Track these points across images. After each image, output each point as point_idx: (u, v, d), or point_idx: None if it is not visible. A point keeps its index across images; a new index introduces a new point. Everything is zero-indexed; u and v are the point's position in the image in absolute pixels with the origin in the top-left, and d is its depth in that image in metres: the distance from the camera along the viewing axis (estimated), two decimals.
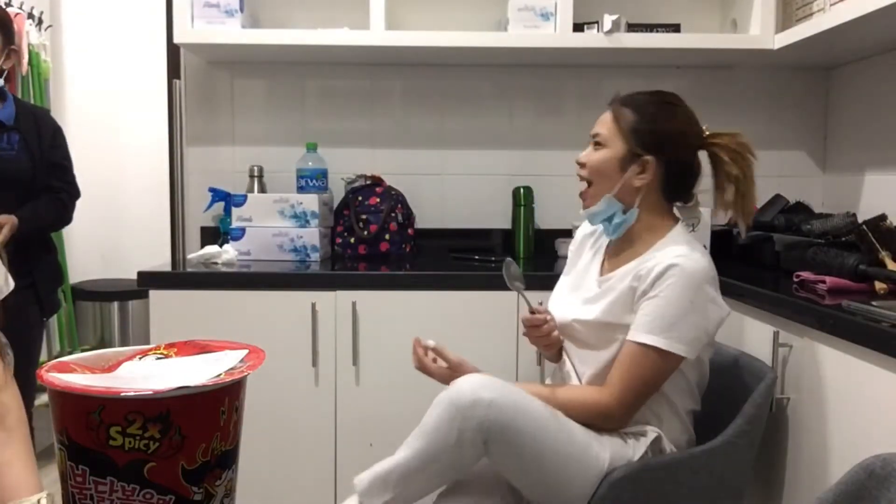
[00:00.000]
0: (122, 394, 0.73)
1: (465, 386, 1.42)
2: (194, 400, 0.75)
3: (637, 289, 1.49)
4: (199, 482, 0.76)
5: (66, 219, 2.32)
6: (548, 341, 1.67)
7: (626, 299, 1.51)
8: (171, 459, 0.74)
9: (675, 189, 1.60)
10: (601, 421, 1.50)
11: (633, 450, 1.50)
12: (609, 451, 1.48)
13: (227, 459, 0.80)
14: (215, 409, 0.77)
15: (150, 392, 0.72)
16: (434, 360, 1.63)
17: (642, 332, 1.46)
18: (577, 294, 1.65)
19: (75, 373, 0.81)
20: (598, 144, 1.58)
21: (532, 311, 1.65)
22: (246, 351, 0.87)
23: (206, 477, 0.77)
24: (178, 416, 0.73)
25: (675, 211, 1.64)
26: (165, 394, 0.73)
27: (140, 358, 0.87)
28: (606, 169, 1.56)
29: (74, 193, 2.32)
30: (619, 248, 1.62)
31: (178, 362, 0.86)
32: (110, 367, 0.86)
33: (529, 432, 1.41)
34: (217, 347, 0.89)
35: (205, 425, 0.76)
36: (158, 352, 0.89)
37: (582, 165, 1.60)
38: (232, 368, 0.81)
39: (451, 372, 1.58)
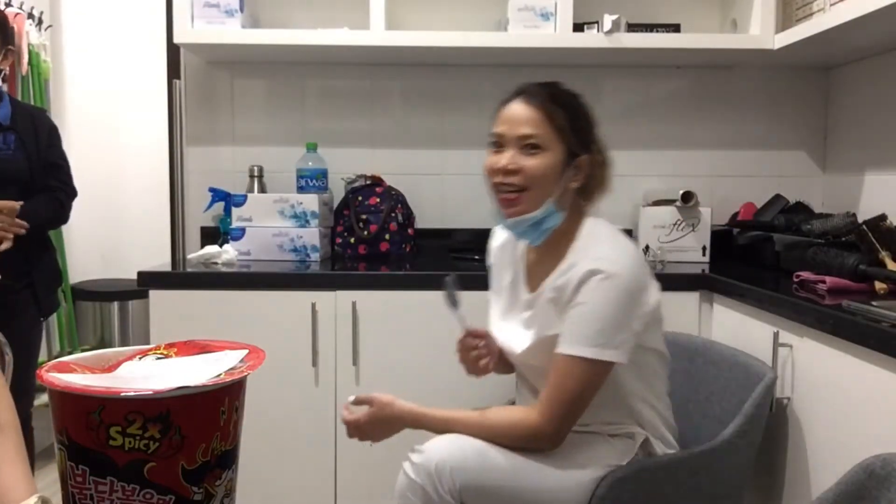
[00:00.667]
0: (122, 394, 0.73)
1: (428, 456, 1.39)
2: (194, 400, 0.75)
3: (560, 299, 1.43)
4: (199, 482, 0.76)
5: (62, 218, 2.32)
6: (475, 369, 1.62)
7: (553, 311, 1.46)
8: (171, 459, 0.74)
9: (596, 187, 1.52)
10: (532, 442, 1.42)
11: (622, 454, 1.48)
12: (594, 463, 1.45)
13: (227, 459, 0.80)
14: (215, 409, 0.77)
15: (150, 392, 0.72)
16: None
17: (569, 343, 1.39)
18: (514, 317, 1.58)
19: (75, 373, 0.81)
20: (534, 147, 1.43)
21: (467, 334, 1.60)
22: (246, 351, 0.87)
23: (206, 477, 0.77)
24: (178, 416, 0.73)
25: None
26: (165, 394, 0.73)
27: (140, 358, 0.87)
28: (550, 175, 1.44)
29: (71, 193, 2.32)
30: (539, 256, 1.55)
31: (178, 362, 0.86)
32: (110, 367, 0.85)
33: (501, 483, 1.40)
34: (217, 347, 0.89)
35: (205, 425, 0.76)
36: (158, 352, 0.89)
37: (514, 172, 1.44)
38: (232, 368, 0.81)
39: (373, 409, 1.51)
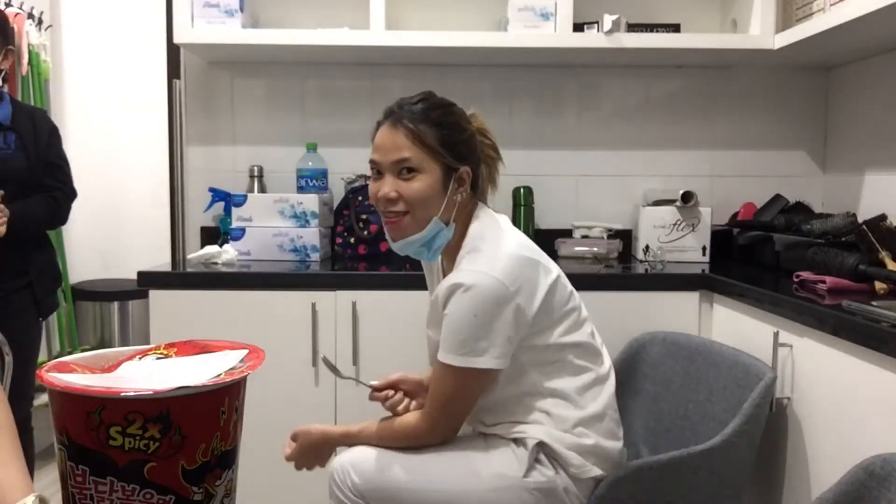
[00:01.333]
0: (122, 394, 0.72)
1: (333, 464, 1.51)
2: (194, 400, 0.75)
3: (437, 312, 1.47)
4: (199, 482, 0.76)
5: (59, 218, 2.30)
6: (399, 411, 1.60)
7: (437, 321, 1.49)
8: (171, 459, 0.74)
9: (478, 188, 1.54)
10: (415, 441, 1.49)
11: (519, 463, 1.46)
12: (491, 472, 1.46)
13: (227, 459, 0.80)
14: (215, 409, 0.77)
15: (150, 392, 0.72)
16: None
17: (441, 351, 1.44)
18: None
19: (75, 373, 0.81)
20: (409, 171, 1.44)
21: (374, 390, 1.60)
22: (246, 351, 0.87)
23: (206, 477, 0.77)
24: (178, 416, 0.73)
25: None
26: (165, 394, 0.73)
27: (140, 358, 0.87)
28: (430, 195, 1.45)
29: (70, 193, 2.30)
30: (447, 263, 1.58)
31: (178, 362, 0.85)
32: (110, 367, 0.85)
33: (399, 484, 1.45)
34: (217, 347, 0.89)
35: (205, 425, 0.76)
36: (158, 352, 0.88)
37: (394, 200, 1.46)
38: (232, 368, 0.81)
39: (299, 442, 1.59)
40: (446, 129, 1.47)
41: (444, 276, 1.58)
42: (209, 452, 0.75)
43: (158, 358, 0.87)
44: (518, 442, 1.49)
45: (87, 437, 0.72)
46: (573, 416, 1.48)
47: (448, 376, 1.44)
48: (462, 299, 1.40)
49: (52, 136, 2.26)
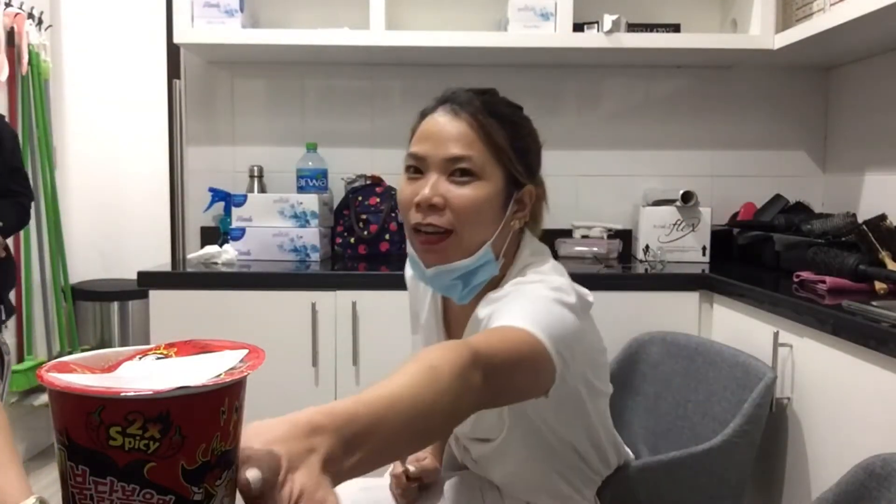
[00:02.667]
0: (122, 394, 0.72)
1: None
2: (194, 400, 0.75)
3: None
4: (199, 482, 0.76)
5: (25, 221, 2.38)
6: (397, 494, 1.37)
7: None
8: (171, 459, 0.74)
9: (536, 219, 1.21)
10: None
11: None
12: None
13: (228, 459, 0.80)
14: (215, 409, 0.77)
15: (150, 392, 0.72)
16: None
17: (514, 319, 0.96)
18: None
19: (75, 373, 0.81)
20: (465, 174, 1.08)
21: (405, 474, 1.33)
22: (246, 351, 0.87)
23: (206, 477, 0.76)
24: (178, 416, 0.73)
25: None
26: (165, 394, 0.73)
27: (140, 358, 0.87)
28: (486, 211, 1.10)
29: (31, 196, 2.38)
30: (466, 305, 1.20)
31: (178, 362, 0.85)
32: (110, 367, 0.85)
33: None
34: (217, 347, 0.88)
35: (205, 425, 0.76)
36: (158, 352, 0.88)
37: (438, 207, 1.08)
38: (232, 368, 0.81)
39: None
40: (518, 131, 1.14)
41: (445, 317, 1.27)
42: (209, 452, 0.75)
43: (158, 358, 0.87)
44: None
45: (87, 437, 0.72)
46: (602, 472, 1.35)
47: (524, 336, 0.93)
48: (529, 287, 1.05)
49: (14, 142, 2.30)
